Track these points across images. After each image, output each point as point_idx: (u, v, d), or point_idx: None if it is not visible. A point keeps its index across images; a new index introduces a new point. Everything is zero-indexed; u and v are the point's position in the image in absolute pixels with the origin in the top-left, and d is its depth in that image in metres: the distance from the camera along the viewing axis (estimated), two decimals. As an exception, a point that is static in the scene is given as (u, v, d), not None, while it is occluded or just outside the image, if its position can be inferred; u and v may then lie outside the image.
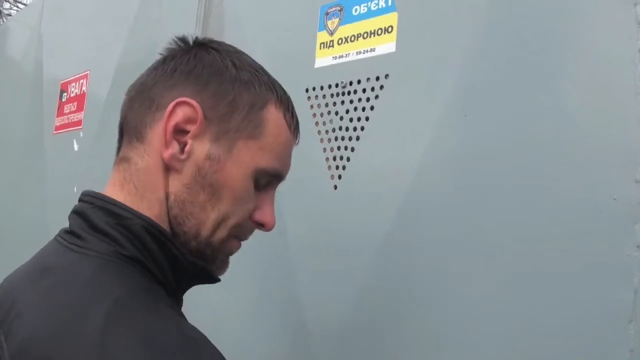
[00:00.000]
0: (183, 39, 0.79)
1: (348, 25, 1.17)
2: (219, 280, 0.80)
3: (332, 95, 1.17)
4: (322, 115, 1.18)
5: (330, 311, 1.13)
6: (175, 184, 0.73)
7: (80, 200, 0.76)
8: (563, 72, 0.86)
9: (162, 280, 0.71)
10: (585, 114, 0.83)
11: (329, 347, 1.12)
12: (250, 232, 0.80)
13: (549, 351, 0.82)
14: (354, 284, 1.09)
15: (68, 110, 2.10)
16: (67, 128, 2.09)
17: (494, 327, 0.89)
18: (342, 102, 1.15)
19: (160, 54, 0.79)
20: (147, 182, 0.73)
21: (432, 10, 1.05)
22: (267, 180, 0.78)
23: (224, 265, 0.80)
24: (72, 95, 2.09)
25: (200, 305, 1.31)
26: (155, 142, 0.73)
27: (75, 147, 1.99)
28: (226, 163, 0.73)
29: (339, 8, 1.19)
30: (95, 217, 0.70)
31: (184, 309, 0.76)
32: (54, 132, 2.20)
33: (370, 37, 1.14)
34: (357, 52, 1.15)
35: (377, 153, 1.09)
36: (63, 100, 2.15)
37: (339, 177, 1.14)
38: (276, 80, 0.81)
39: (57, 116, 2.18)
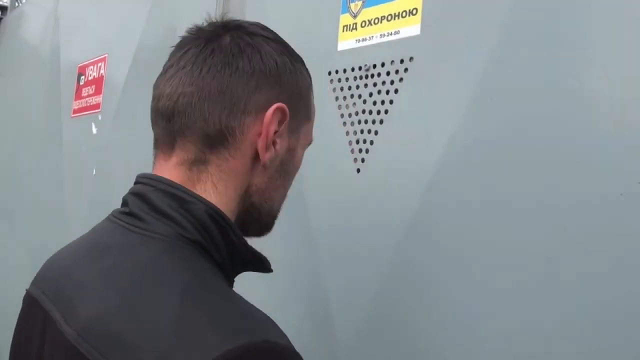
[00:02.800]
0: (211, 24, 0.79)
1: (372, 8, 1.16)
2: (271, 270, 0.82)
3: (355, 78, 1.17)
4: (345, 98, 1.18)
5: (353, 295, 1.13)
6: (260, 177, 0.77)
7: (137, 182, 0.76)
8: (591, 54, 0.84)
9: (220, 263, 0.73)
10: (613, 97, 0.82)
11: (351, 330, 1.12)
12: None
13: (571, 340, 0.82)
14: (377, 268, 1.09)
15: (86, 94, 2.10)
16: (85, 111, 2.10)
17: (516, 310, 0.88)
18: (366, 86, 1.14)
19: (182, 44, 0.78)
20: (229, 181, 0.75)
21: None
22: None
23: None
24: (90, 78, 2.09)
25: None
26: (246, 146, 0.74)
27: (94, 130, 2.00)
28: (297, 149, 0.81)
29: (362, -10, 1.18)
30: (157, 199, 0.71)
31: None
32: (72, 115, 2.21)
33: (394, 19, 1.13)
34: (381, 35, 1.14)
35: (402, 137, 1.08)
36: (81, 83, 2.16)
37: (362, 160, 1.13)
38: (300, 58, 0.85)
39: (75, 99, 2.19)
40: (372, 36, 1.15)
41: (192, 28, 0.79)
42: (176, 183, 0.73)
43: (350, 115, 1.16)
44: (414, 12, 1.10)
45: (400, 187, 1.07)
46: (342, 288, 1.16)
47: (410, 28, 1.10)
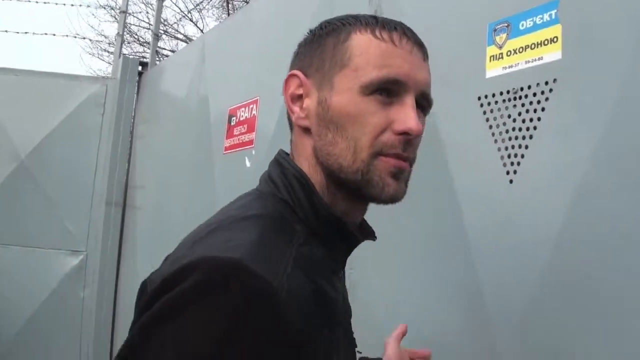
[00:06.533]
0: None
1: (516, 39, 1.33)
2: (372, 237, 0.93)
3: (504, 101, 1.32)
4: (495, 119, 1.34)
5: (509, 302, 1.26)
6: (312, 139, 0.86)
7: None
8: None
9: (306, 220, 0.82)
10: None
11: (508, 337, 1.25)
12: (400, 145, 0.82)
13: None
14: (531, 276, 1.21)
15: (238, 132, 2.37)
16: (237, 148, 2.36)
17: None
18: (515, 106, 1.30)
19: None
20: (298, 150, 0.88)
21: (594, 18, 1.18)
22: (385, 90, 0.82)
23: (385, 185, 0.82)
24: (241, 119, 2.36)
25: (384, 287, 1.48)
26: (292, 118, 0.89)
27: (248, 163, 2.25)
28: (332, 98, 0.83)
29: (506, 24, 1.35)
30: (271, 168, 0.88)
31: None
32: (224, 152, 2.48)
33: (537, 47, 1.28)
34: (525, 62, 1.30)
35: (551, 149, 1.22)
36: (232, 124, 2.43)
37: (515, 172, 1.28)
38: (368, 15, 0.88)
39: (227, 138, 2.46)
40: (518, 63, 1.31)
41: None
42: (287, 154, 0.89)
43: (501, 133, 1.32)
44: (555, 39, 1.25)
45: (552, 195, 1.20)
46: (498, 296, 1.28)
47: (553, 54, 1.25)
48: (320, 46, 0.87)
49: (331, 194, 0.85)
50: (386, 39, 0.83)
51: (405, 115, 0.81)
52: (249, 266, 0.66)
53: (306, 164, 0.86)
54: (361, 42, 0.84)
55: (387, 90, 0.81)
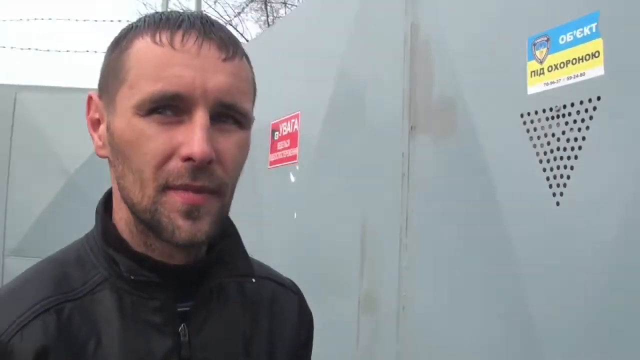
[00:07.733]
0: None
1: (556, 54, 1.29)
2: (240, 277, 0.81)
3: (547, 118, 1.29)
4: (538, 137, 1.31)
5: (560, 327, 1.23)
6: (113, 173, 0.74)
7: None
8: None
9: (109, 263, 0.73)
10: None
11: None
12: (188, 173, 0.68)
13: None
14: (583, 302, 1.19)
15: (281, 147, 2.39)
16: (281, 162, 2.38)
17: None
18: (558, 125, 1.27)
19: None
20: (112, 185, 0.77)
21: (637, 31, 1.13)
22: (169, 108, 0.68)
23: (175, 228, 0.68)
24: (284, 133, 2.37)
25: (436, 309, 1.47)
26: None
27: (292, 178, 2.26)
28: (115, 122, 0.71)
29: (545, 38, 1.31)
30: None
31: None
32: (269, 167, 2.50)
33: (579, 62, 1.25)
34: (567, 78, 1.27)
35: (598, 169, 1.18)
36: (275, 138, 2.45)
37: (561, 194, 1.25)
38: (162, 12, 0.75)
39: (271, 152, 2.48)
40: (559, 79, 1.28)
41: None
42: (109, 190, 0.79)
43: (545, 153, 1.29)
44: (597, 54, 1.21)
45: (602, 216, 1.17)
46: (548, 317, 1.26)
47: (595, 70, 1.21)
48: (106, 59, 0.74)
49: (141, 233, 0.73)
50: (164, 43, 0.68)
51: (190, 137, 0.67)
52: None
53: (114, 199, 0.76)
54: (138, 51, 0.70)
55: (171, 107, 0.68)
